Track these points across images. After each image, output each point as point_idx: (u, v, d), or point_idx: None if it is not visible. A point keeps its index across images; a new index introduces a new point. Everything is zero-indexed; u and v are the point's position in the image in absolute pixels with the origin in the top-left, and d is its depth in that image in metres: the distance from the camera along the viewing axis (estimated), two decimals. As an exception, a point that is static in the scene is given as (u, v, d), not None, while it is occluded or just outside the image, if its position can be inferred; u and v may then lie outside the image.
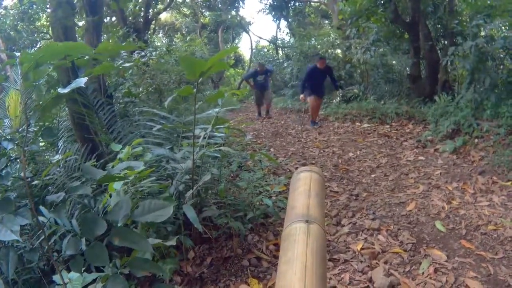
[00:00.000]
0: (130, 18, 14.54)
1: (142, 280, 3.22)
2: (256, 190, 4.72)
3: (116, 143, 4.57)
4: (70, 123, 4.92)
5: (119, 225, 1.92)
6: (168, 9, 23.41)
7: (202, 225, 3.34)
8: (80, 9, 5.59)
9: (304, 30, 21.36)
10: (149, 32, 17.70)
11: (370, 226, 4.22)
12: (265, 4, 26.34)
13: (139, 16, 15.43)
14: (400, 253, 3.67)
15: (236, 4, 26.88)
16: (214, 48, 23.55)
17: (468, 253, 3.57)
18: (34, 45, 15.84)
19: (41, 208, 2.44)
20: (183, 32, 28.59)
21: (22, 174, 2.60)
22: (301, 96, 10.50)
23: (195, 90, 2.78)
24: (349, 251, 3.81)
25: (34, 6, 15.33)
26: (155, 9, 18.12)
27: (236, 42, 31.49)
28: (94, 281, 2.27)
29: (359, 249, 3.78)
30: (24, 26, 16.42)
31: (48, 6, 4.93)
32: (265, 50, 28.42)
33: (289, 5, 25.94)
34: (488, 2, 8.69)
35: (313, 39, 16.70)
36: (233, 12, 27.05)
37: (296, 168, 5.97)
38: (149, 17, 16.32)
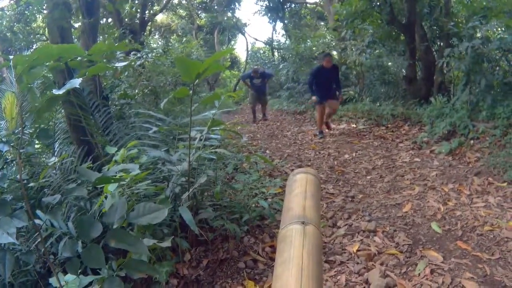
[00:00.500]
0: (126, 19, 14.50)
1: (138, 282, 3.21)
2: (252, 192, 4.71)
3: (112, 145, 4.58)
4: (66, 125, 4.92)
5: (114, 227, 1.92)
6: (164, 11, 23.41)
7: (198, 227, 3.34)
8: (77, 11, 5.59)
9: (300, 31, 21.36)
10: (145, 33, 17.69)
11: (366, 227, 4.23)
12: (261, 5, 26.43)
13: (135, 18, 15.39)
14: (396, 254, 3.67)
15: (232, 6, 26.89)
16: (210, 50, 23.54)
17: (464, 254, 3.57)
18: (30, 46, 15.80)
19: (37, 212, 2.43)
20: (179, 33, 28.59)
21: (18, 177, 2.59)
22: (313, 98, 9.28)
23: (191, 92, 2.78)
24: (345, 252, 3.81)
25: (31, 7, 15.29)
26: (151, 11, 18.12)
27: (232, 43, 31.55)
28: (90, 283, 2.27)
29: (355, 250, 3.78)
30: (20, 28, 16.38)
31: (44, 7, 4.92)
32: (261, 51, 28.49)
33: (285, 6, 26.01)
34: (484, 3, 8.72)
35: (308, 40, 16.70)
36: (229, 14, 27.07)
37: (292, 170, 5.97)
38: (145, 18, 16.30)
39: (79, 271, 2.00)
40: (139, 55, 8.68)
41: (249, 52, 27.04)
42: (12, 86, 4.75)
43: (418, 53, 10.23)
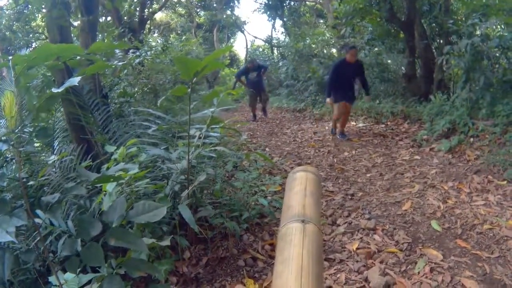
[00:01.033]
0: (125, 17, 14.50)
1: (137, 280, 3.21)
2: (252, 190, 4.71)
3: (112, 143, 4.58)
4: (65, 123, 4.91)
5: (114, 225, 1.92)
6: (163, 9, 23.41)
7: (198, 225, 3.34)
8: (76, 9, 5.57)
9: (299, 29, 21.36)
10: (145, 32, 17.67)
11: (365, 225, 4.23)
12: (260, 3, 26.46)
13: (134, 16, 15.38)
14: (395, 252, 3.67)
15: (231, 4, 26.95)
16: (209, 48, 23.53)
17: (464, 252, 3.58)
18: (30, 45, 15.80)
19: (37, 210, 2.43)
20: (178, 32, 28.59)
21: (17, 175, 2.59)
22: (328, 99, 8.19)
23: (189, 89, 2.77)
24: (344, 250, 3.81)
25: (30, 6, 15.28)
26: (150, 9, 18.09)
27: (231, 41, 31.58)
28: (90, 281, 2.27)
29: (354, 248, 3.78)
30: (20, 26, 16.37)
31: (43, 6, 4.91)
32: (260, 49, 28.49)
33: (284, 4, 26.01)
34: (484, 1, 8.69)
35: (308, 38, 16.68)
36: (228, 12, 27.11)
37: (292, 167, 5.98)
38: (145, 16, 16.28)
39: (79, 269, 2.00)
40: (138, 53, 8.66)
41: (249, 50, 27.06)
42: (12, 85, 4.74)
43: (417, 51, 10.21)
